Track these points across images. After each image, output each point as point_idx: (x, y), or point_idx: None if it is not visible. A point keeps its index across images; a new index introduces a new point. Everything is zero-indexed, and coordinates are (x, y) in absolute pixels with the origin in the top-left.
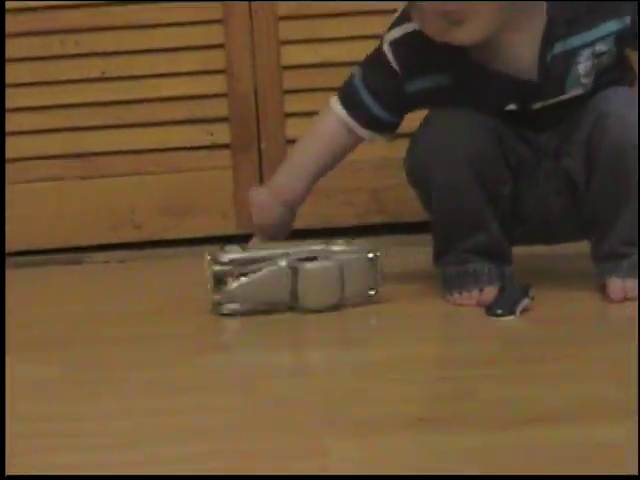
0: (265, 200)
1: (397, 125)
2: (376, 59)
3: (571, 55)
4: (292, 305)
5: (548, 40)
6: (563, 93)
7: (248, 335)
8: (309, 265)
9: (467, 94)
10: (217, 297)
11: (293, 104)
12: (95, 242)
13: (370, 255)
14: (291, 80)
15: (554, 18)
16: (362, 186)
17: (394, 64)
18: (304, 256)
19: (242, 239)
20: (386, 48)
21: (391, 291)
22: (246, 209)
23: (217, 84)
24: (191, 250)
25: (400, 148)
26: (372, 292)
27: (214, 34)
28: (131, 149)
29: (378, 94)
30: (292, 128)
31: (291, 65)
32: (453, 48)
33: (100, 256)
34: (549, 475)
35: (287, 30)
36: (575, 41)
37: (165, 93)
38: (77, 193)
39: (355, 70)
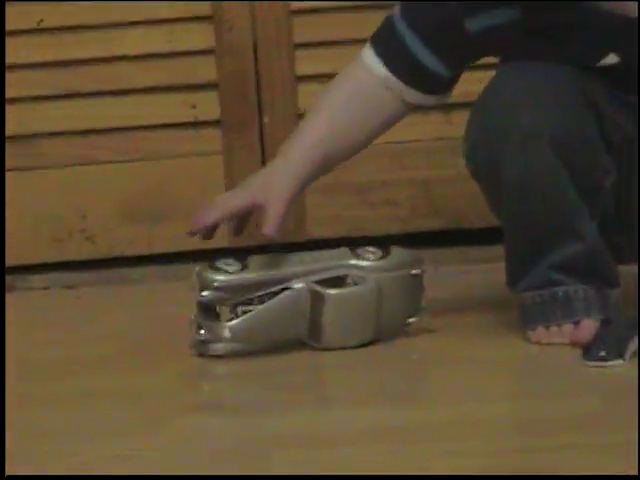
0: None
1: (454, 82)
2: None
3: None
4: (309, 342)
5: None
6: None
7: (247, 388)
8: (336, 291)
9: (547, 38)
10: (203, 334)
11: (306, 63)
12: (32, 260)
13: (414, 272)
14: (303, 30)
15: None
16: (406, 178)
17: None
18: (328, 276)
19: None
20: None
21: (445, 324)
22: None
23: (201, 36)
24: (164, 271)
25: (458, 124)
26: (412, 320)
27: None
28: (82, 128)
29: (429, 37)
30: (305, 96)
31: (303, 9)
32: None
33: (39, 279)
34: (549, 475)
35: None
36: None
37: (130, 50)
38: (7, 190)
39: (394, 8)
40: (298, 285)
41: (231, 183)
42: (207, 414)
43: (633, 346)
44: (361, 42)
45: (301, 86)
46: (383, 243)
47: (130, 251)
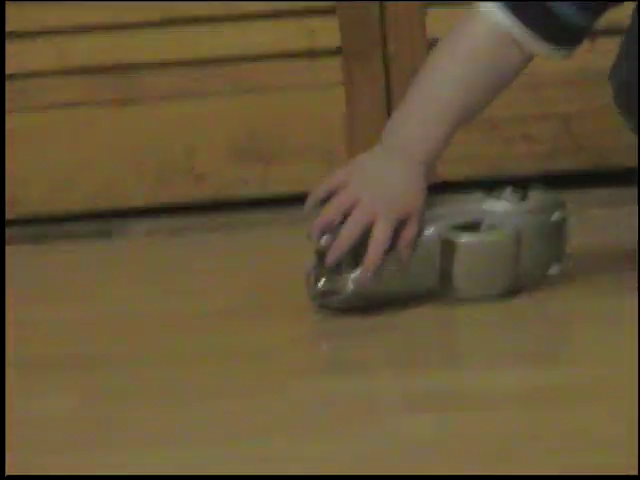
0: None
1: (588, 32)
2: None
3: None
4: (441, 293)
5: None
6: None
7: (371, 346)
8: (469, 238)
9: None
10: (324, 284)
11: None
12: (132, 204)
13: (556, 217)
14: None
15: None
16: (546, 113)
17: None
18: (461, 221)
19: None
20: None
21: (588, 275)
22: (364, 149)
23: None
24: (279, 215)
25: (603, 53)
26: (556, 270)
27: None
28: (188, 58)
29: None
30: (434, 22)
31: None
32: None
33: (141, 225)
34: (548, 475)
35: None
36: None
37: None
38: (101, 126)
39: None
40: (427, 232)
41: (352, 119)
42: (329, 375)
43: None
44: None
45: (430, 10)
46: (521, 184)
47: (242, 193)
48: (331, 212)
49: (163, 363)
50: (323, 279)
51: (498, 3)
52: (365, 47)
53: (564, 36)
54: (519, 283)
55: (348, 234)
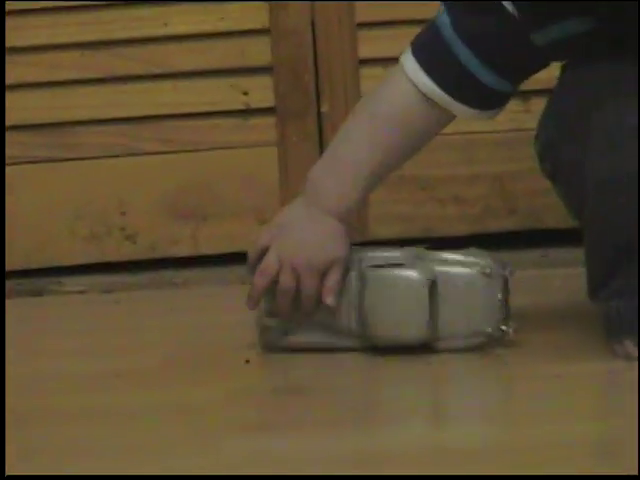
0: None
1: (510, 97)
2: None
3: None
4: (360, 337)
5: None
6: None
7: (303, 405)
8: (379, 270)
9: (618, 45)
10: (270, 321)
11: (370, 45)
12: (66, 261)
13: (488, 270)
14: (366, 9)
15: None
16: (478, 173)
17: (509, 5)
18: (383, 262)
19: None
20: None
21: (522, 333)
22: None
23: (254, 15)
24: (210, 273)
25: (536, 113)
26: (491, 330)
27: None
28: (122, 116)
29: (489, 56)
30: (368, 81)
31: None
32: None
33: (74, 282)
34: (548, 475)
35: None
36: None
37: (177, 29)
38: (36, 184)
39: (441, 12)
40: (351, 272)
41: (286, 178)
42: (260, 433)
43: None
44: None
45: (364, 70)
46: (454, 244)
47: (174, 252)
48: (258, 283)
49: (93, 420)
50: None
51: (419, 67)
52: (299, 107)
53: (486, 100)
54: (437, 335)
55: (281, 302)
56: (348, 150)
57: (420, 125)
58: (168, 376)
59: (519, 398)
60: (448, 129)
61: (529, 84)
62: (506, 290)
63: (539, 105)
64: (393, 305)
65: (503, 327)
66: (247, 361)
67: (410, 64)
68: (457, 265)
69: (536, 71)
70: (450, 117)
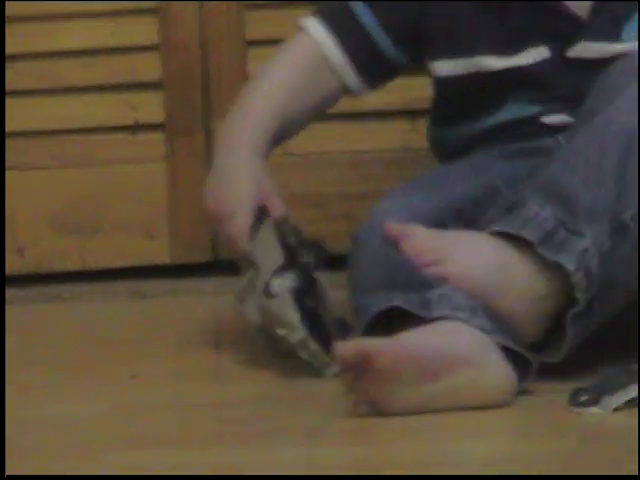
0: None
1: (401, 68)
2: None
3: None
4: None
5: None
6: (617, 39)
7: (190, 420)
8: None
9: (486, 17)
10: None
11: (259, 62)
12: None
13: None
14: (257, 25)
15: None
16: (367, 191)
17: None
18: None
19: (176, 270)
20: None
21: None
22: (185, 224)
23: (143, 30)
24: (99, 289)
25: (424, 133)
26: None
27: None
28: (9, 130)
29: (388, 16)
30: None
31: (256, 3)
32: None
33: None
34: (550, 475)
35: None
36: None
37: (62, 44)
38: None
39: None
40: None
41: (174, 193)
42: (145, 448)
43: (626, 395)
44: None
45: None
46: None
47: (61, 266)
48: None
49: None
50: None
51: (318, 21)
52: (188, 123)
53: (379, 67)
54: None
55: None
56: (250, 97)
57: (319, 79)
58: (54, 391)
59: None
60: (340, 147)
61: (416, 103)
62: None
63: (426, 125)
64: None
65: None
66: (133, 376)
67: (312, 23)
68: None
69: (425, 45)
70: (340, 86)
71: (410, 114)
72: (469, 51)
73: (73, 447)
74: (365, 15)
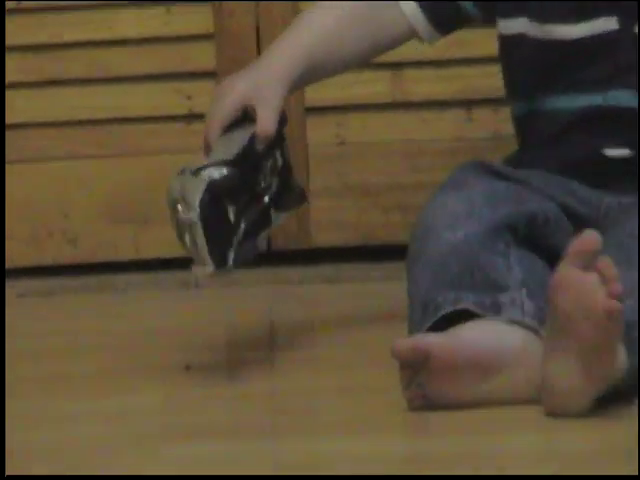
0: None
1: (471, 20)
2: None
3: None
4: None
5: None
6: None
7: (243, 411)
8: None
9: None
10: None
11: None
12: (6, 264)
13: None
14: None
15: None
16: (421, 182)
17: None
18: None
19: None
20: None
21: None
22: None
23: (198, 19)
24: (151, 278)
25: (480, 122)
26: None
27: None
28: (64, 119)
29: None
30: (313, 89)
31: None
32: None
33: (13, 286)
34: (549, 475)
35: None
36: None
37: (120, 33)
38: None
39: None
40: None
41: None
42: (199, 440)
43: None
44: None
45: None
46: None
47: (115, 256)
48: None
49: (29, 424)
50: None
51: None
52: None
53: (448, 18)
54: None
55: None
56: (291, 32)
57: (379, 19)
58: (107, 382)
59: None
60: (392, 136)
61: (472, 93)
62: None
63: (482, 115)
64: None
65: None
66: (187, 367)
67: None
68: None
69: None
70: (404, 28)
71: (465, 104)
72: (537, 15)
73: (126, 439)
74: None
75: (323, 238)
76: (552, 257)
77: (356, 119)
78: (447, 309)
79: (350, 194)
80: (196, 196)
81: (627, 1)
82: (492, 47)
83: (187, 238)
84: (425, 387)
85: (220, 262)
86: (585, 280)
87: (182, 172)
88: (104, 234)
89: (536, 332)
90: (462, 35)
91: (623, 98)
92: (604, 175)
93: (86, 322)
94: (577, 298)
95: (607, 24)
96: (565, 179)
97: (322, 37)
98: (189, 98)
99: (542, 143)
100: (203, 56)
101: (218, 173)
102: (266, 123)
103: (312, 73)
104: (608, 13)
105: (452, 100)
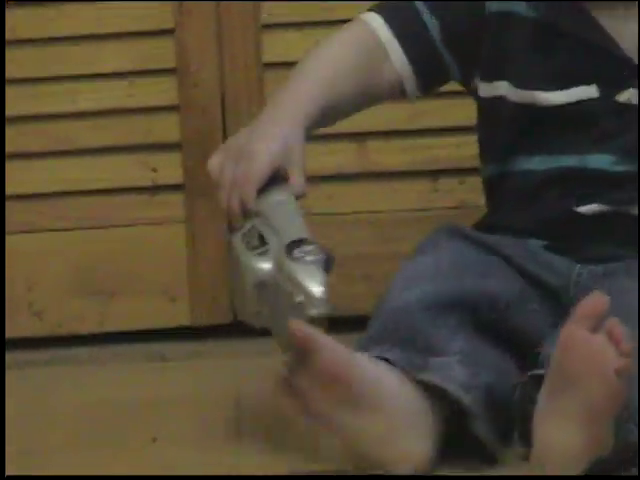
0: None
1: (451, 79)
2: None
3: None
4: None
5: None
6: None
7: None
8: None
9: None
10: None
11: None
12: None
13: None
14: (277, 84)
15: None
16: (388, 252)
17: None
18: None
19: (197, 332)
20: None
21: None
22: (205, 286)
23: (163, 90)
24: (118, 352)
25: (445, 192)
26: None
27: (159, 14)
28: (28, 192)
29: (446, 15)
30: None
31: (277, 62)
32: None
33: None
34: (548, 476)
35: (272, 6)
36: None
37: (80, 106)
38: None
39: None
40: None
41: (194, 255)
42: None
43: None
44: None
45: None
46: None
47: (81, 328)
48: None
49: None
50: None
51: (379, 15)
52: (207, 183)
53: (432, 68)
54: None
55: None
56: (297, 75)
57: (372, 64)
58: (72, 454)
59: None
60: (358, 206)
61: (437, 163)
62: None
63: (447, 184)
64: None
65: None
66: (154, 440)
67: (371, 16)
68: None
69: (479, 49)
70: (393, 82)
71: (431, 174)
72: (517, 80)
73: None
74: (430, 25)
75: None
76: (512, 339)
77: (322, 190)
78: (373, 353)
79: None
80: (320, 287)
81: (608, 69)
82: (457, 117)
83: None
84: (300, 385)
85: None
86: (594, 341)
87: (251, 243)
88: (70, 307)
89: (453, 398)
90: (427, 105)
91: (601, 162)
92: (576, 234)
93: (52, 395)
94: (586, 358)
95: (587, 92)
96: (536, 247)
97: (328, 87)
98: (154, 170)
99: (514, 204)
100: (167, 128)
101: (316, 256)
102: (302, 185)
103: (324, 120)
104: (588, 81)
105: (418, 170)
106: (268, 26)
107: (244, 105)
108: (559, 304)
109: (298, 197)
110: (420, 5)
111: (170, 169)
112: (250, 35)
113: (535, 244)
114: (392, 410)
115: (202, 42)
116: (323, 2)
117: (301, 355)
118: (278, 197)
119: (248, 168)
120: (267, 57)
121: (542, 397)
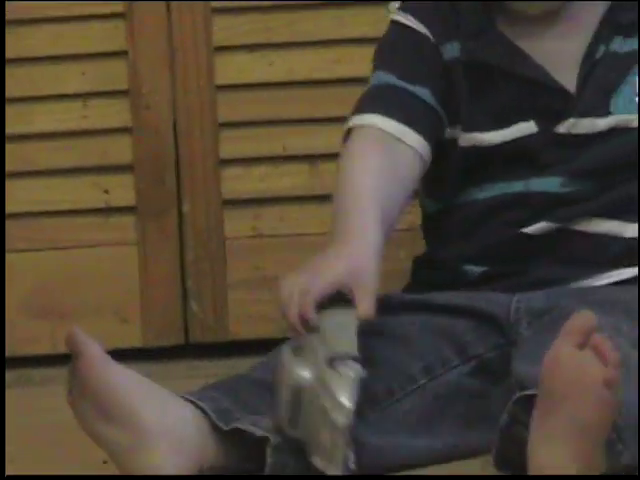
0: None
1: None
2: (395, 33)
3: (627, 62)
4: None
5: (599, 37)
6: (606, 113)
7: None
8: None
9: (478, 84)
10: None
11: (232, 144)
12: None
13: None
14: (229, 107)
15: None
16: None
17: (420, 26)
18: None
19: (149, 354)
20: (399, 15)
21: None
22: (157, 307)
23: (116, 112)
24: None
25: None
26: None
27: (112, 34)
28: None
29: (418, 74)
30: (230, 182)
31: (230, 84)
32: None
33: None
34: (549, 475)
35: (225, 29)
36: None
37: (34, 127)
38: None
39: (375, 68)
40: None
41: (146, 277)
42: None
43: None
44: (292, 122)
45: (225, 170)
46: None
47: (32, 350)
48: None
49: None
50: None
51: (374, 113)
52: (160, 206)
53: (435, 120)
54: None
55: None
56: (350, 200)
57: (394, 159)
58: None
59: None
60: (309, 229)
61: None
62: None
63: None
64: None
65: None
66: (105, 462)
67: (369, 116)
68: None
69: (455, 95)
70: (412, 153)
71: None
72: (465, 124)
73: None
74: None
75: (240, 331)
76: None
77: (273, 212)
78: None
79: (267, 286)
80: (349, 400)
81: (544, 103)
82: None
83: (326, 435)
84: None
85: (345, 467)
86: (581, 356)
87: (302, 349)
88: (22, 329)
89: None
90: None
91: (548, 185)
92: (519, 257)
93: (7, 417)
94: (574, 373)
95: (526, 129)
96: (472, 277)
97: (378, 201)
98: (106, 192)
99: (458, 234)
100: (120, 150)
101: (356, 372)
102: (369, 309)
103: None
104: (526, 117)
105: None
106: (220, 48)
107: (196, 127)
108: (498, 327)
109: (362, 321)
110: (399, 82)
111: (122, 191)
112: (202, 57)
113: (473, 271)
114: (139, 423)
115: (154, 64)
116: (274, 24)
117: (72, 364)
118: (341, 318)
119: (310, 282)
120: (219, 79)
121: (534, 421)
